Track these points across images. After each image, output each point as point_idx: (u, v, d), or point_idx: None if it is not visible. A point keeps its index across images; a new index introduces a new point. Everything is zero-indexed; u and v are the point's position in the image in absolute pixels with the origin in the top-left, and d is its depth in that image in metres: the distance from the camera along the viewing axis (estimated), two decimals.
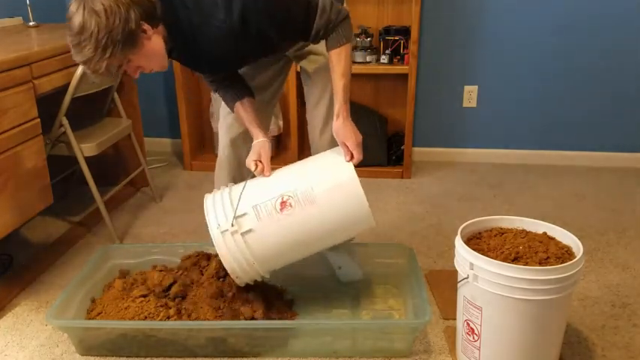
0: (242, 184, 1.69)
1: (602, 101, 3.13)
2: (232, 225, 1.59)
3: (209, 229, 1.62)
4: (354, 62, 2.98)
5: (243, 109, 1.76)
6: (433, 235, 2.43)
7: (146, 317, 1.68)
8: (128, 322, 1.69)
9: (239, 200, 1.61)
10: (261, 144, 1.74)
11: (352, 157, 1.64)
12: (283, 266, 1.71)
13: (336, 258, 2.01)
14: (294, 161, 3.30)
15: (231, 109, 1.80)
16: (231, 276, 1.65)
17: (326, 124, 1.90)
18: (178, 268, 1.91)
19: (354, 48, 2.98)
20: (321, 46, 1.74)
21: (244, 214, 1.60)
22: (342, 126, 1.63)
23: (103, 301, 1.80)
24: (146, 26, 1.44)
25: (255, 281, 1.73)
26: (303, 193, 1.60)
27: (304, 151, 3.30)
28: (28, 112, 2.00)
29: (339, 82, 1.62)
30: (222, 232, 1.60)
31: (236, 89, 1.78)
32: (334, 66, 1.62)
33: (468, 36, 3.09)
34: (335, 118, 1.64)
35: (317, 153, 1.92)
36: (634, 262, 2.20)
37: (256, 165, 1.70)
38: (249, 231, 1.59)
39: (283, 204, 1.60)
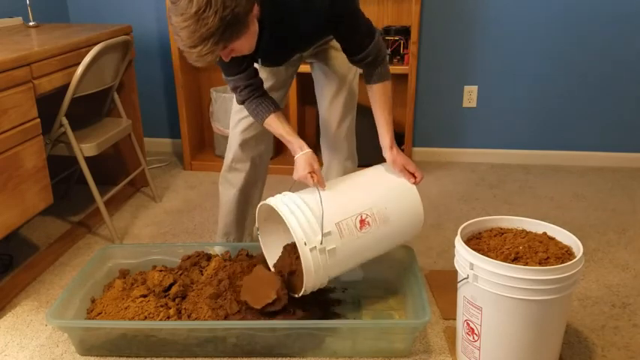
0: (313, 195, 1.65)
1: (602, 101, 3.13)
2: (321, 243, 1.59)
3: (297, 243, 1.57)
4: None
5: (279, 120, 1.73)
6: (433, 235, 2.43)
7: (146, 317, 1.69)
8: (128, 322, 1.69)
9: (322, 217, 1.60)
10: (309, 155, 1.70)
11: (415, 178, 1.77)
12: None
13: None
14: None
15: (263, 120, 1.73)
16: (304, 292, 1.64)
17: (343, 119, 1.98)
18: (178, 268, 1.91)
19: None
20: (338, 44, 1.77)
21: (329, 232, 1.60)
22: (398, 154, 1.78)
23: (103, 301, 1.80)
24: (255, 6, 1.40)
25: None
26: (378, 213, 1.68)
27: None
28: (28, 112, 2.00)
29: (388, 117, 1.77)
30: (310, 250, 1.58)
31: (268, 101, 1.74)
32: (382, 101, 1.76)
33: (468, 36, 3.09)
34: (389, 149, 1.77)
35: (333, 148, 1.99)
36: (634, 262, 2.20)
37: (312, 177, 1.67)
38: (333, 249, 1.60)
39: (362, 222, 1.65)
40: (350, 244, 1.63)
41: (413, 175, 1.77)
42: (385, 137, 1.78)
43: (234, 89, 1.74)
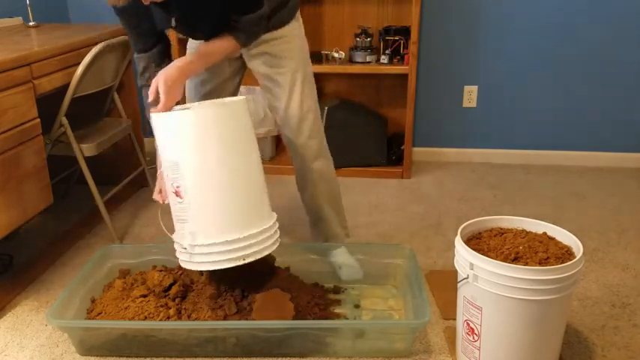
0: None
1: (602, 101, 3.13)
2: (185, 248, 1.61)
3: (189, 268, 1.66)
4: (355, 62, 2.98)
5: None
6: (433, 235, 2.43)
7: (146, 317, 1.69)
8: (128, 322, 1.69)
9: (163, 227, 1.66)
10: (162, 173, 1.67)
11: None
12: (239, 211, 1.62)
13: (338, 258, 2.01)
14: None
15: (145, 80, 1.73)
16: (244, 262, 1.62)
17: (303, 120, 1.88)
18: (178, 268, 1.91)
19: (355, 48, 2.98)
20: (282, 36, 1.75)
21: (182, 234, 1.62)
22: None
23: (103, 301, 1.80)
24: None
25: (260, 281, 1.75)
26: (175, 174, 1.57)
27: None
28: (28, 112, 2.00)
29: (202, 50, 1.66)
30: (191, 259, 1.62)
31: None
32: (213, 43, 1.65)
33: (468, 36, 3.09)
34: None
35: (299, 152, 1.93)
36: (634, 262, 2.20)
37: (160, 197, 1.71)
38: (193, 232, 1.59)
39: (177, 194, 1.58)
40: (194, 212, 1.57)
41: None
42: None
43: (142, 72, 1.74)
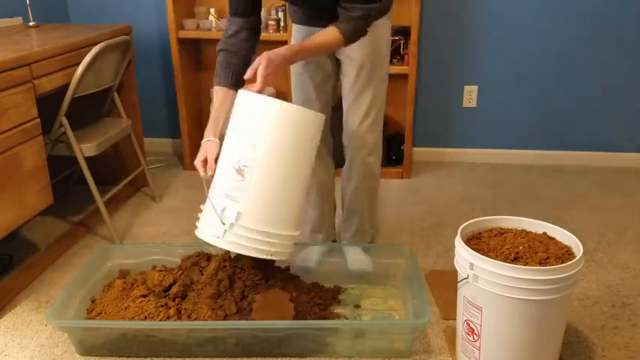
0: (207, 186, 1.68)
1: (602, 101, 3.13)
2: (224, 224, 1.59)
3: (214, 244, 1.63)
4: None
5: (221, 98, 1.74)
6: (433, 235, 2.43)
7: (146, 317, 1.68)
8: (128, 322, 1.69)
9: (213, 206, 1.61)
10: (211, 145, 1.70)
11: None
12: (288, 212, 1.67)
13: (351, 253, 2.06)
14: None
15: (218, 82, 1.75)
16: (266, 257, 1.65)
17: (368, 113, 1.93)
18: (178, 268, 1.91)
19: None
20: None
21: (225, 208, 1.60)
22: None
23: (103, 301, 1.80)
24: None
25: (260, 281, 1.75)
26: (246, 154, 1.59)
27: None
28: (28, 112, 2.00)
29: (314, 41, 1.68)
30: (223, 237, 1.60)
31: (234, 74, 1.74)
32: (324, 34, 1.67)
33: (468, 36, 3.09)
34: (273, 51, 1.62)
35: (355, 144, 1.96)
36: (634, 262, 2.20)
37: (202, 167, 1.68)
38: (240, 213, 1.58)
39: (239, 171, 1.59)
40: (248, 192, 1.59)
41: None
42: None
43: (226, 31, 1.76)
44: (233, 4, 1.77)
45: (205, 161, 1.68)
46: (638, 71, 3.05)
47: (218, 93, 1.76)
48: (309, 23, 1.90)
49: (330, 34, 1.68)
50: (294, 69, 2.00)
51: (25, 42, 2.23)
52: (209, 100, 3.24)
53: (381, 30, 1.88)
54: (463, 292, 1.53)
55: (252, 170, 1.59)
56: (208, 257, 1.95)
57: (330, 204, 2.19)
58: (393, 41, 2.94)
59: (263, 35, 2.96)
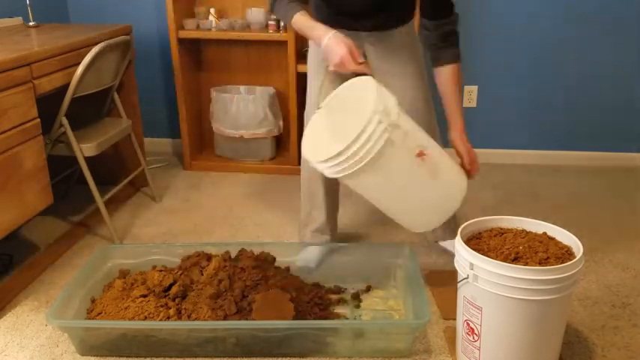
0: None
1: (602, 101, 3.13)
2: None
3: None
4: None
5: (305, 15, 1.66)
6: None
7: (146, 317, 1.69)
8: (128, 322, 1.69)
9: (394, 102, 1.47)
10: (339, 35, 1.54)
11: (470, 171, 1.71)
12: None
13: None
14: (295, 161, 3.31)
15: (292, 16, 1.65)
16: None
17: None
18: (178, 268, 1.91)
19: None
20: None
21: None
22: (466, 139, 1.74)
23: (103, 301, 1.80)
24: None
25: (260, 281, 1.75)
26: (433, 158, 1.56)
27: None
28: (28, 112, 2.00)
29: (459, 99, 1.76)
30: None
31: (299, 3, 1.68)
32: (454, 83, 1.77)
33: (468, 36, 3.09)
34: (461, 131, 1.72)
35: None
36: (634, 262, 2.20)
37: (352, 58, 1.52)
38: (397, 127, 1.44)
39: (420, 154, 1.52)
40: (402, 166, 1.51)
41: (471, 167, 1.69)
42: (458, 120, 1.73)
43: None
44: None
45: (352, 53, 1.51)
46: (638, 71, 3.05)
47: (300, 17, 1.64)
48: (352, 27, 1.77)
49: (455, 72, 1.72)
50: (319, 80, 1.90)
51: (25, 42, 2.24)
52: (209, 100, 3.24)
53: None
54: (463, 292, 1.53)
55: (424, 164, 1.54)
56: (208, 257, 1.95)
57: (335, 205, 2.18)
58: None
59: (263, 35, 2.98)
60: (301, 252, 2.08)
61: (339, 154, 1.44)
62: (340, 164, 1.46)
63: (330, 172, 1.51)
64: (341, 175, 1.49)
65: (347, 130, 1.45)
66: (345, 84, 1.60)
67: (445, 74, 1.67)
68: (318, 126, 1.66)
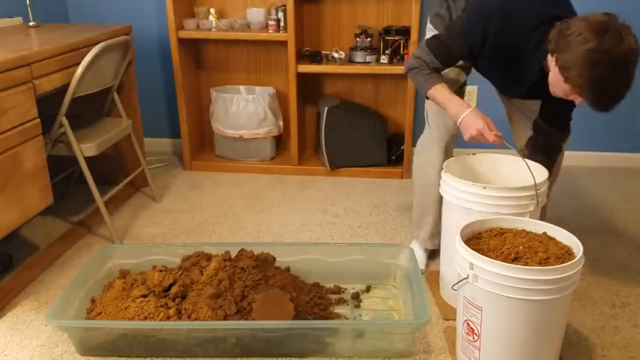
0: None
1: None
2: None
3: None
4: (354, 62, 2.98)
5: (445, 87, 1.80)
6: None
7: (146, 317, 1.69)
8: (128, 322, 1.69)
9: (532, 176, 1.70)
10: (477, 110, 1.72)
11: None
12: None
13: None
14: (295, 161, 3.30)
15: (434, 84, 1.80)
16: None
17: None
18: (178, 268, 1.91)
19: (355, 48, 2.98)
20: None
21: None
22: None
23: (103, 301, 1.80)
24: None
25: (260, 281, 1.74)
26: None
27: (305, 151, 3.30)
28: (28, 112, 2.00)
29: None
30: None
31: (439, 74, 1.84)
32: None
33: None
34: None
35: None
36: (634, 262, 2.20)
37: (489, 131, 1.69)
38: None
39: None
40: None
41: None
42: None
43: (417, 59, 1.82)
44: (441, 64, 1.83)
45: (490, 126, 1.69)
46: (638, 71, 3.04)
47: (440, 88, 1.80)
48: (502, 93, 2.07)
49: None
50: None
51: (25, 42, 2.24)
52: (209, 100, 3.24)
53: None
54: (463, 292, 1.53)
55: None
56: (208, 257, 1.95)
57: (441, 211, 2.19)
58: (393, 41, 2.95)
59: (263, 35, 2.98)
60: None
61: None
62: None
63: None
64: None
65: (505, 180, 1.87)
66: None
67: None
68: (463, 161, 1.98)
